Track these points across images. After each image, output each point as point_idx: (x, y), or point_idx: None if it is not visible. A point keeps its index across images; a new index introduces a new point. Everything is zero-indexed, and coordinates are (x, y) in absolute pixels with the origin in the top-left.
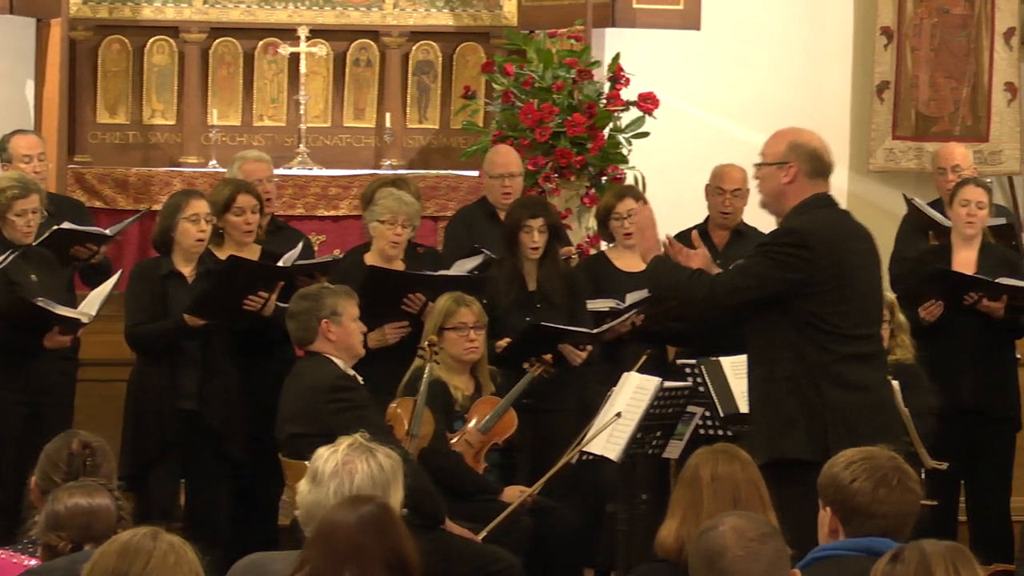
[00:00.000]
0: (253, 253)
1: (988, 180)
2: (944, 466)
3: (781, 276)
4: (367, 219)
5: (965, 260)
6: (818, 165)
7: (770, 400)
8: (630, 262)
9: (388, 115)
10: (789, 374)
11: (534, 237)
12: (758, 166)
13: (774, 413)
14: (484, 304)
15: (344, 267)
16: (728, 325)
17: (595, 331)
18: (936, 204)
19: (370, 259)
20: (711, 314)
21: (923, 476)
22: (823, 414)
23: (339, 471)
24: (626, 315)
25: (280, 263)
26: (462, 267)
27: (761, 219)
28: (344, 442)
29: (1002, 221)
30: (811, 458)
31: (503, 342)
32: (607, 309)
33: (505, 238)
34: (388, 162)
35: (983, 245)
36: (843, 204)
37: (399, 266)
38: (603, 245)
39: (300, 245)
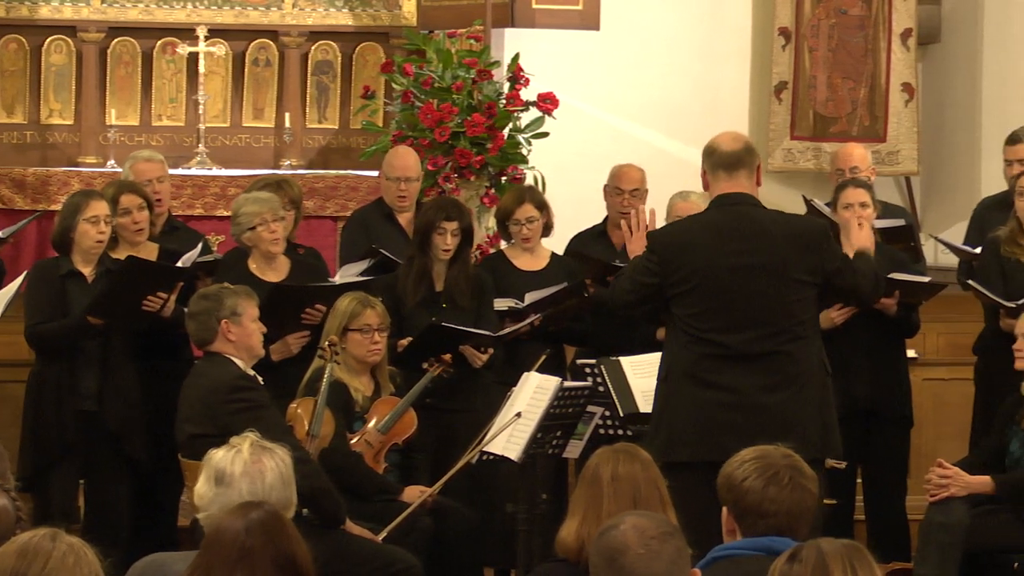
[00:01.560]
0: (151, 253)
1: (868, 180)
2: (843, 465)
3: (642, 281)
4: (235, 235)
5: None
6: (712, 159)
7: (656, 401)
8: (529, 261)
9: (287, 115)
10: (664, 375)
11: (447, 240)
12: None
13: (655, 414)
14: (385, 305)
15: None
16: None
17: (497, 334)
18: (833, 204)
19: (252, 264)
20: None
21: (821, 475)
22: (680, 414)
23: (249, 470)
24: (530, 318)
25: (179, 264)
26: (350, 271)
27: (659, 219)
28: (244, 442)
29: (900, 222)
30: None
31: (404, 341)
32: (506, 308)
33: (417, 237)
34: (287, 162)
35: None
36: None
37: (283, 264)
38: (503, 244)
39: (200, 246)
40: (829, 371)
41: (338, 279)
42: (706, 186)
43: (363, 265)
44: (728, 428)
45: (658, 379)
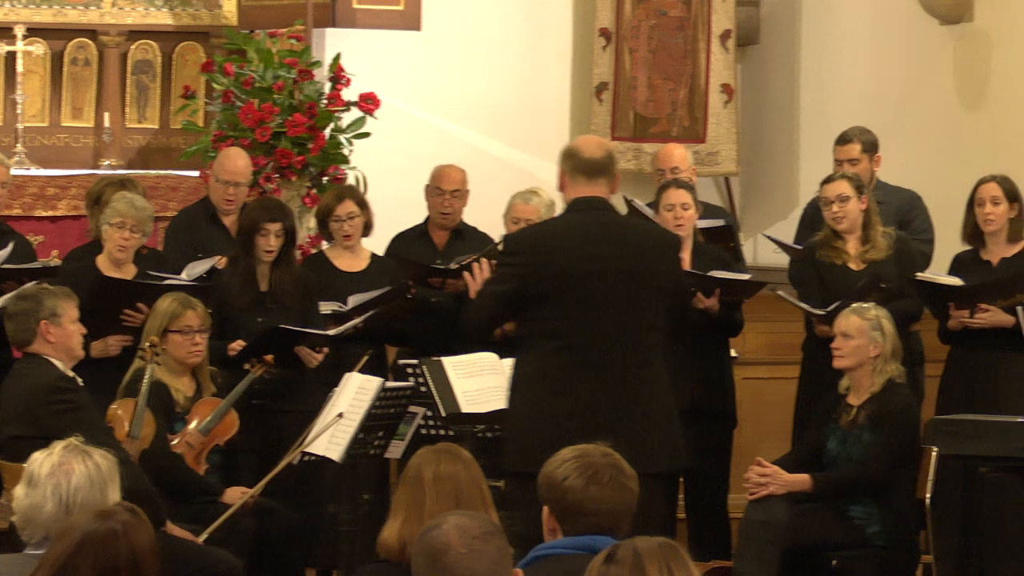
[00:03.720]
0: None
1: (690, 180)
2: None
3: (501, 290)
4: (101, 220)
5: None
6: (574, 163)
7: (508, 409)
8: (350, 262)
9: (107, 115)
10: (515, 383)
11: (270, 241)
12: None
13: (507, 422)
14: (211, 310)
15: (74, 270)
16: None
17: (332, 333)
18: (655, 205)
19: (100, 262)
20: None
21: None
22: (533, 423)
23: (55, 472)
24: (360, 318)
25: None
26: (193, 270)
27: (481, 219)
28: (59, 444)
29: (721, 222)
30: (515, 468)
31: (236, 344)
32: (331, 312)
33: (241, 239)
34: (107, 162)
35: (695, 246)
36: (561, 206)
37: (130, 270)
38: (324, 245)
39: (10, 246)
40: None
41: (184, 275)
42: (562, 187)
43: (206, 265)
44: (581, 438)
45: (510, 388)
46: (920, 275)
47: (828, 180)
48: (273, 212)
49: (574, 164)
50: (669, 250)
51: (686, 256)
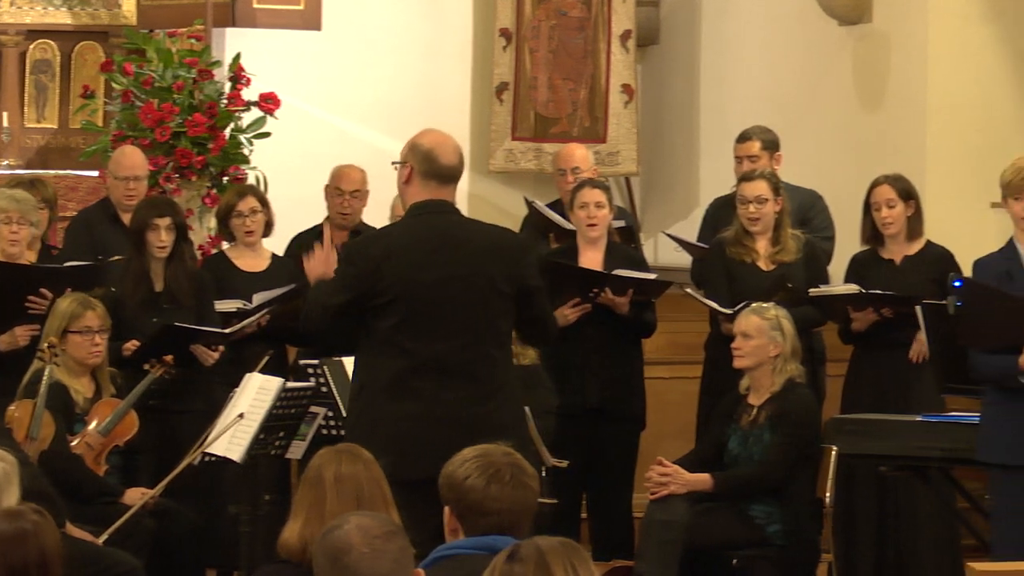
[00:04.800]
0: None
1: (605, 180)
2: (565, 464)
3: (340, 298)
4: None
5: (591, 261)
6: (430, 166)
7: (350, 417)
8: (251, 262)
9: (5, 114)
10: (358, 390)
11: (161, 236)
12: (394, 164)
13: (349, 429)
14: (106, 300)
15: None
16: None
17: (228, 331)
18: (556, 205)
19: None
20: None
21: (544, 474)
22: (380, 429)
23: None
24: (256, 315)
25: None
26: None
27: (381, 220)
28: None
29: (621, 223)
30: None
31: (131, 344)
32: (235, 310)
33: (132, 238)
34: (6, 162)
35: (609, 245)
36: (464, 205)
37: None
38: (224, 245)
39: None
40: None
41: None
42: (407, 181)
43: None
44: (432, 442)
45: (350, 396)
46: (814, 291)
47: (747, 178)
48: (161, 207)
49: (429, 168)
50: (516, 254)
51: (598, 256)
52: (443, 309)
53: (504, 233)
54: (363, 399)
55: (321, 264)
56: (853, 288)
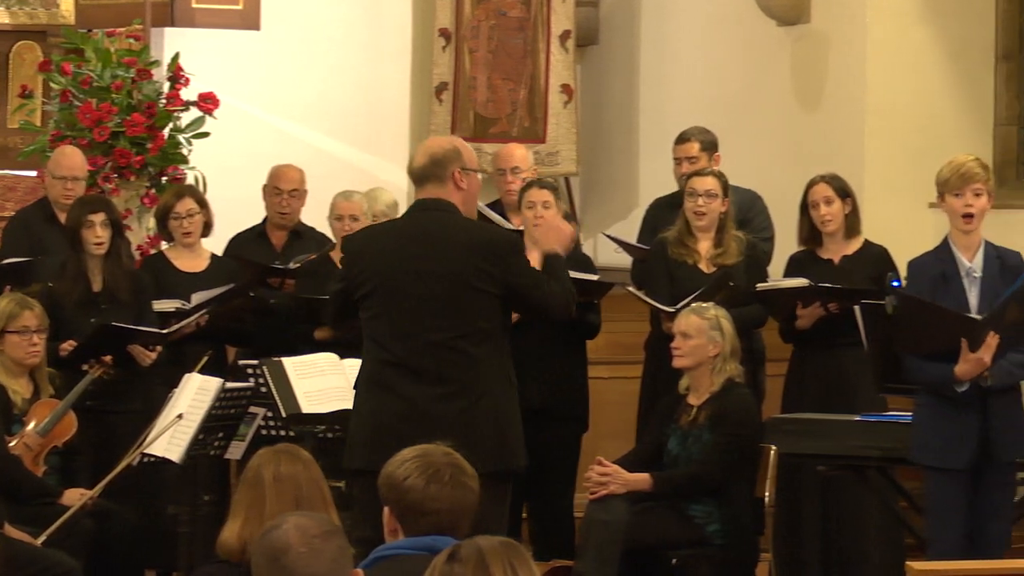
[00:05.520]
0: None
1: (554, 181)
2: None
3: (333, 289)
4: None
5: (536, 261)
6: (408, 171)
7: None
8: (189, 262)
9: None
10: (355, 382)
11: (97, 232)
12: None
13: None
14: (43, 299)
15: None
16: None
17: (166, 331)
18: (495, 205)
19: None
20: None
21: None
22: (360, 421)
23: None
24: (195, 315)
25: None
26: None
27: (320, 219)
28: None
29: None
30: (345, 465)
31: (67, 344)
32: (173, 310)
33: (69, 237)
34: None
35: None
36: (404, 205)
37: None
38: (163, 245)
39: None
40: (513, 382)
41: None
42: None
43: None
44: (401, 437)
45: (355, 385)
46: (761, 286)
47: (698, 174)
48: (95, 204)
49: (408, 171)
50: (498, 251)
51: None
52: (417, 304)
53: (490, 231)
54: (357, 391)
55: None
56: (802, 281)
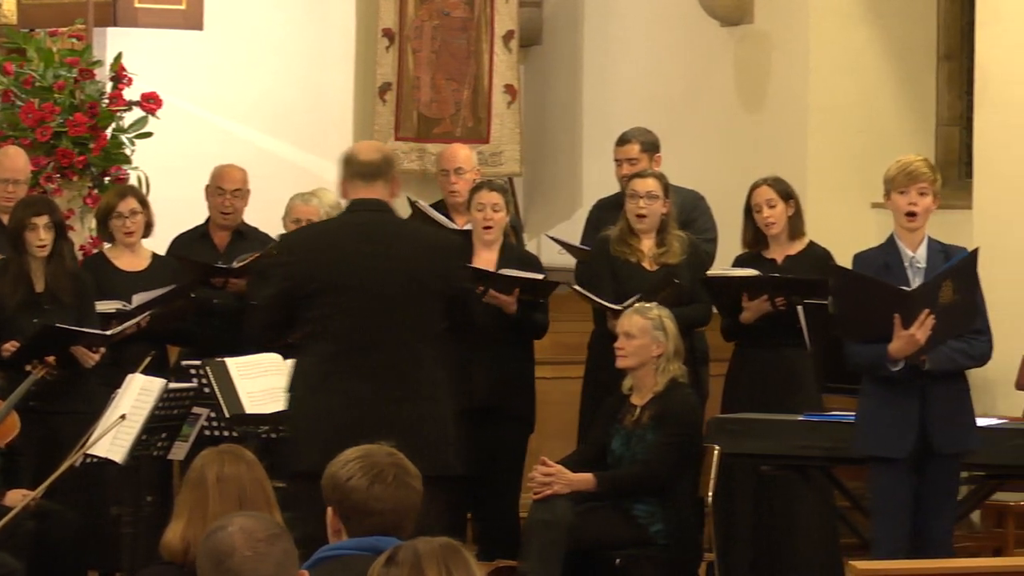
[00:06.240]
0: None
1: (504, 182)
2: None
3: (271, 291)
4: None
5: (485, 261)
6: (351, 168)
7: (288, 409)
8: (130, 262)
9: None
10: (292, 383)
11: (40, 235)
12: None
13: (287, 422)
14: None
15: None
16: None
17: (109, 332)
18: (439, 205)
19: None
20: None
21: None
22: (307, 422)
23: None
24: (138, 317)
25: None
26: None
27: (263, 220)
28: None
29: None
30: (293, 468)
31: (9, 345)
32: (114, 310)
33: (11, 239)
34: None
35: (504, 246)
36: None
37: None
38: (106, 246)
39: None
40: (452, 387)
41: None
42: (344, 194)
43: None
44: (356, 439)
45: (288, 387)
46: (711, 272)
47: (639, 175)
48: (38, 206)
49: (351, 169)
50: (446, 253)
51: (492, 257)
52: (373, 302)
53: (438, 234)
54: (296, 392)
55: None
56: (751, 272)
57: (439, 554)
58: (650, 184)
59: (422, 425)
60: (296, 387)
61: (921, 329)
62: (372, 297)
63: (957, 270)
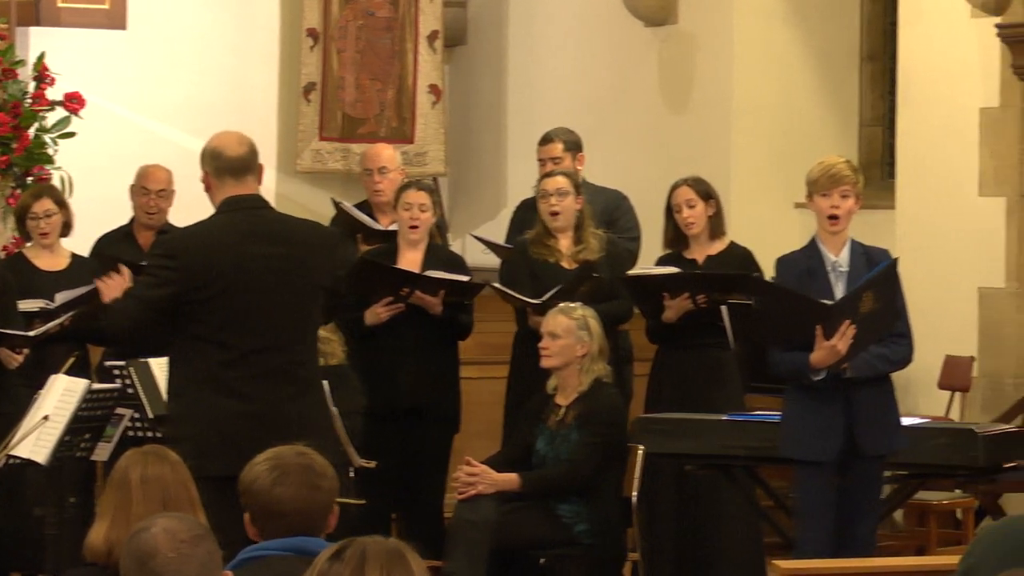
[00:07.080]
0: None
1: (432, 182)
2: (373, 464)
3: (157, 295)
4: None
5: (411, 262)
6: (220, 164)
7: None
8: (50, 261)
9: None
10: (179, 388)
11: None
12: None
13: (175, 428)
14: None
15: None
16: None
17: (32, 333)
18: (363, 205)
19: None
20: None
21: (352, 474)
22: (204, 426)
23: None
24: (61, 317)
25: None
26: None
27: (188, 220)
28: None
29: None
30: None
31: None
32: (37, 309)
33: None
34: None
35: (430, 246)
36: (272, 203)
37: None
38: (27, 245)
39: None
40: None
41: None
42: (208, 190)
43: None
44: (254, 440)
45: (170, 393)
46: (632, 272)
47: (548, 175)
48: None
49: (219, 165)
50: (332, 246)
51: (417, 257)
52: (263, 304)
53: (318, 227)
54: (185, 396)
55: (117, 288)
56: (672, 269)
57: (384, 556)
58: (559, 182)
59: (313, 421)
60: (186, 391)
61: (842, 340)
62: (266, 299)
63: (877, 281)
